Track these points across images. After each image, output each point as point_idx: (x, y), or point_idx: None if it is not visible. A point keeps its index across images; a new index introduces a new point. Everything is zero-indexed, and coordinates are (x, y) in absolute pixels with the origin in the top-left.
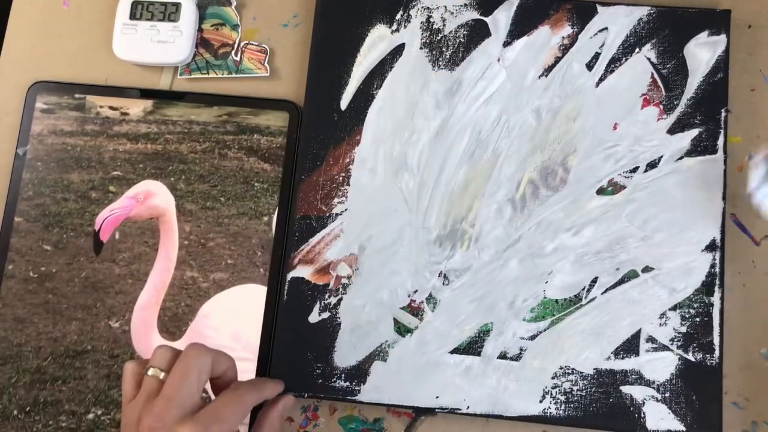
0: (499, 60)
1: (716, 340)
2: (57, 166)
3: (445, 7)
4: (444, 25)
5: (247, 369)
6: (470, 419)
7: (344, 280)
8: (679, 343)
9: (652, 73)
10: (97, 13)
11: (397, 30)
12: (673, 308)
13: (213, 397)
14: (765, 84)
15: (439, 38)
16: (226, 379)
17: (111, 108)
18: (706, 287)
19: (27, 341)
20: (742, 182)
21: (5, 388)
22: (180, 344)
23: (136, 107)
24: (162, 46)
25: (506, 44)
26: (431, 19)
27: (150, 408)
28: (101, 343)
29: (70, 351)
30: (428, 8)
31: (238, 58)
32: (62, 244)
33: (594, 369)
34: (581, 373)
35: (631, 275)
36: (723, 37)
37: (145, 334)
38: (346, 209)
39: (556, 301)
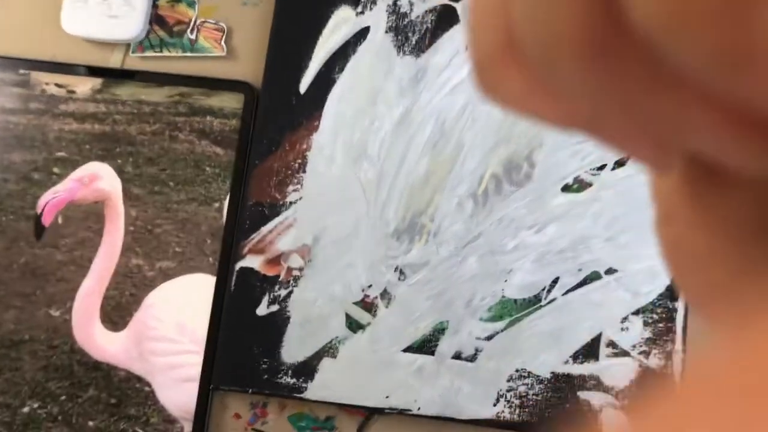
0: (466, 48)
1: (678, 347)
2: None
3: None
4: (411, 10)
5: (192, 362)
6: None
7: (296, 272)
8: (641, 349)
9: None
10: None
11: (363, 12)
12: (636, 312)
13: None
14: None
15: (405, 23)
16: None
17: (57, 85)
18: (671, 292)
19: None
20: None
21: None
22: (123, 335)
23: (84, 85)
24: (113, 21)
25: None
26: (398, 3)
27: None
28: (40, 333)
29: (6, 341)
30: None
31: (193, 37)
32: (1, 227)
33: (551, 373)
34: (538, 376)
35: (594, 276)
36: None
37: (87, 323)
38: (300, 197)
39: (515, 300)
